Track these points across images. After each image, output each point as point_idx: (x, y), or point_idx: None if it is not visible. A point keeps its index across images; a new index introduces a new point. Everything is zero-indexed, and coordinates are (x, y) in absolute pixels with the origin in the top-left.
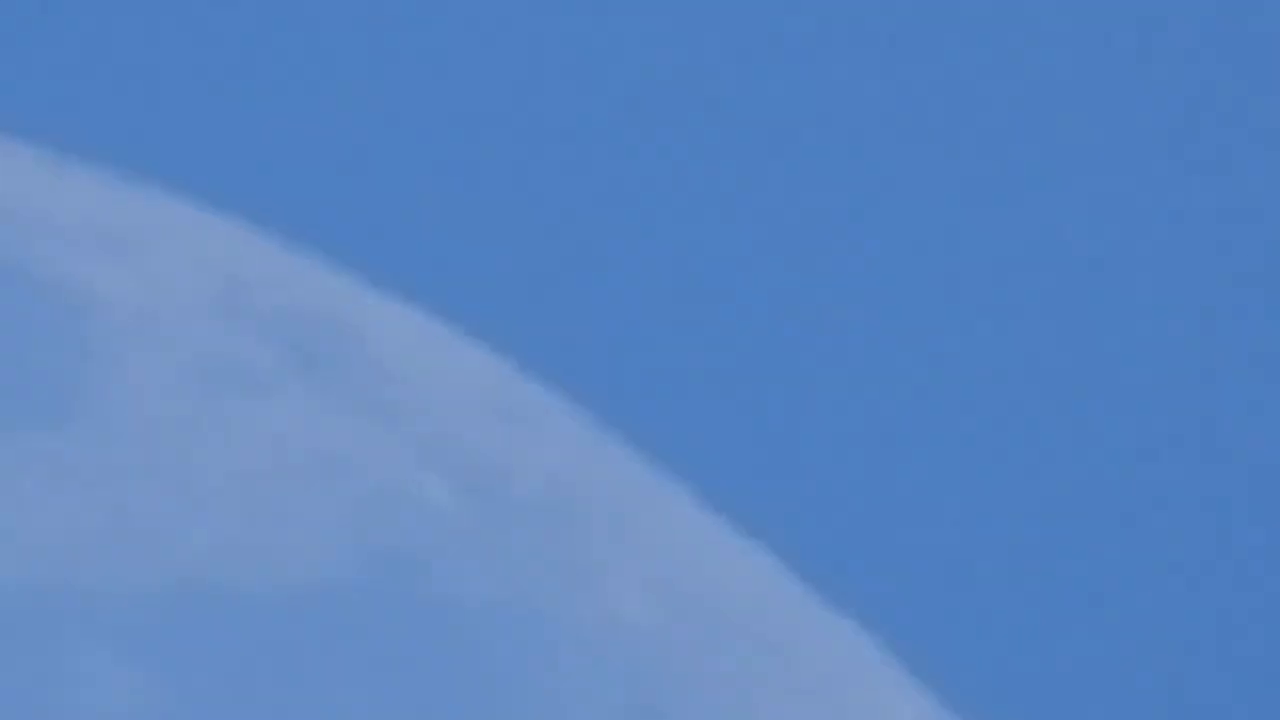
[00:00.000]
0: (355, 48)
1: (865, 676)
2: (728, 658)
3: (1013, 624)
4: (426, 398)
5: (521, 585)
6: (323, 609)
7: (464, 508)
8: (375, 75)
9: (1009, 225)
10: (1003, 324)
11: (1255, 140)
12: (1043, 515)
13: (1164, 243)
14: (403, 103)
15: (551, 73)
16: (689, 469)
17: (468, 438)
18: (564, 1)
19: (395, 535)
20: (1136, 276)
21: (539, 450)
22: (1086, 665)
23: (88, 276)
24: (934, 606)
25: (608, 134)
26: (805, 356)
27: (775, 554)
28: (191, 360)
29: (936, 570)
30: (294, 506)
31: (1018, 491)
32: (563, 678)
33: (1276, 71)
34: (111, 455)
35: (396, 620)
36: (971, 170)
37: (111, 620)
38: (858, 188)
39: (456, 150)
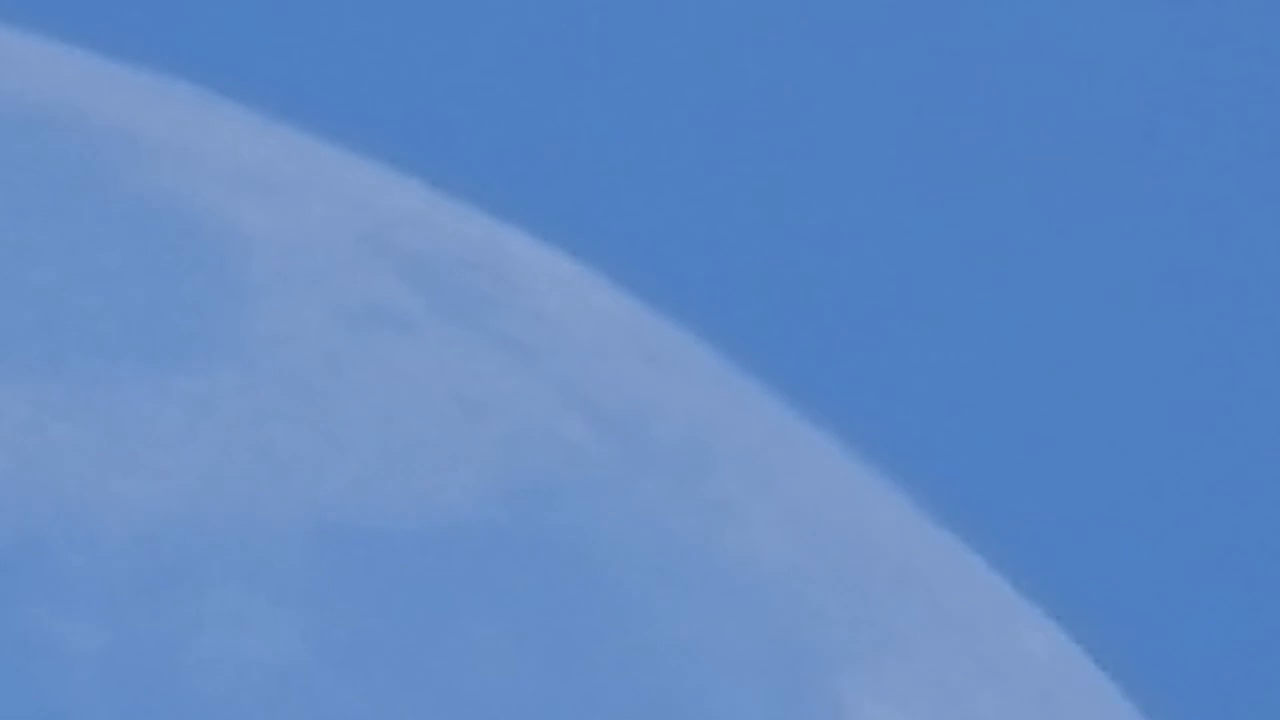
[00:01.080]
0: None
1: (1001, 611)
2: (865, 596)
3: (1150, 566)
4: (569, 340)
5: (661, 526)
6: (464, 549)
7: (604, 449)
8: (525, 20)
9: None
10: None
11: None
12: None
13: None
14: (551, 50)
15: (684, 36)
16: (828, 411)
17: (609, 380)
18: None
19: (536, 476)
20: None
21: (679, 392)
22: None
23: (236, 214)
24: (1065, 545)
25: (760, 90)
26: (950, 301)
27: (911, 493)
28: (337, 300)
29: (1069, 508)
30: (436, 447)
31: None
32: (700, 618)
33: None
34: (255, 395)
35: (536, 560)
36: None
37: (253, 561)
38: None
39: (602, 95)
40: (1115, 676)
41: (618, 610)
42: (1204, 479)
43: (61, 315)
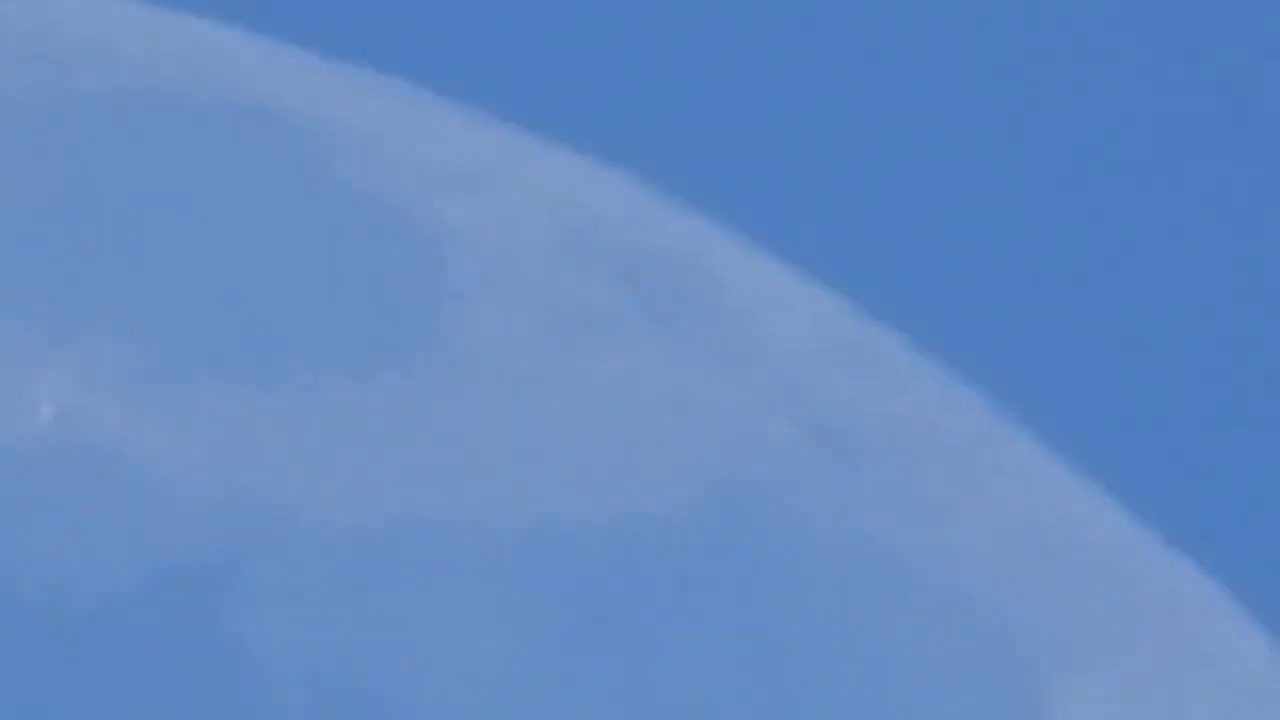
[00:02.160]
0: None
1: (1210, 615)
2: (1072, 598)
3: None
4: (774, 341)
5: (866, 528)
6: (670, 550)
7: (809, 450)
8: (735, 16)
9: None
10: None
11: None
12: None
13: None
14: (755, 47)
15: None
16: (1032, 413)
17: (815, 381)
18: None
19: (742, 478)
20: None
21: (884, 394)
22: None
23: (442, 212)
24: (1274, 546)
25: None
26: (1153, 300)
27: (1115, 497)
28: (543, 300)
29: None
30: (642, 449)
31: None
32: (907, 621)
33: None
34: (463, 397)
35: (742, 560)
36: None
37: (462, 561)
38: None
39: (806, 95)
40: None
41: (825, 612)
42: None
43: (269, 317)
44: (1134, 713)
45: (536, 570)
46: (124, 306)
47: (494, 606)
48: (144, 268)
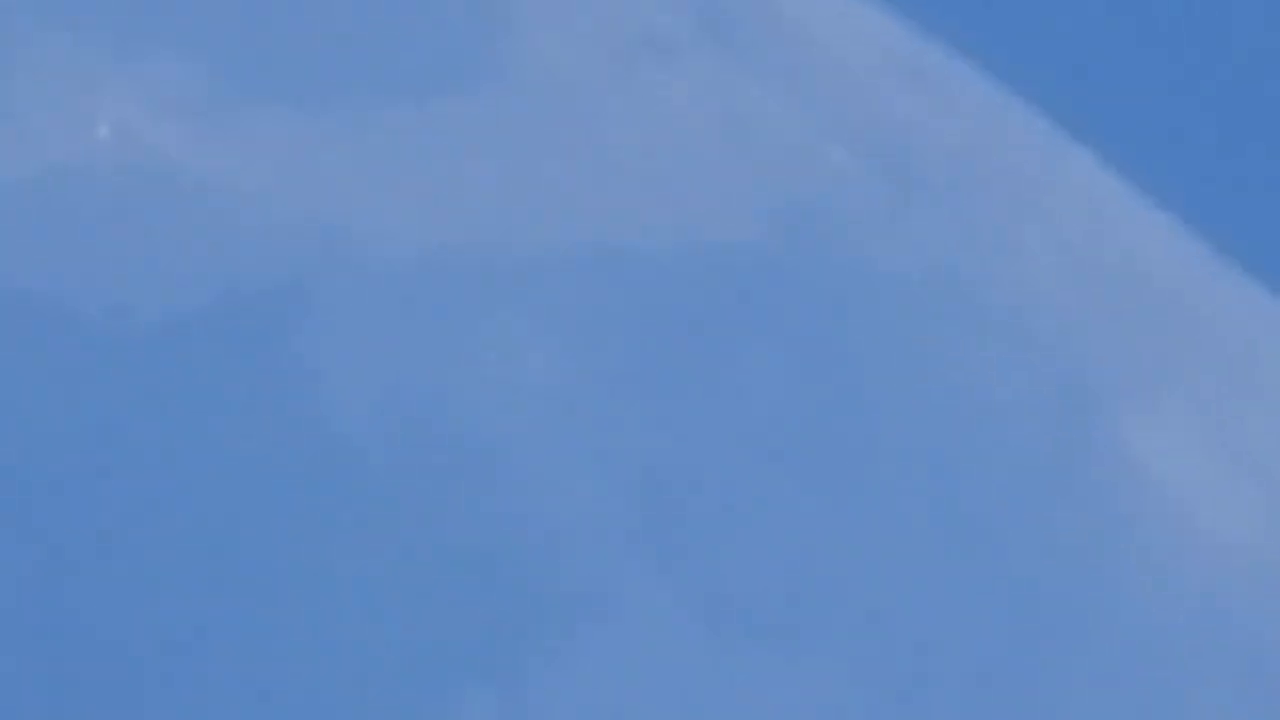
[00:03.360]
0: None
1: (1277, 338)
2: (1139, 327)
3: None
4: (835, 64)
5: (928, 254)
6: (730, 273)
7: (870, 175)
8: None
9: None
10: None
11: None
12: None
13: None
14: None
15: None
16: (1098, 137)
17: (875, 104)
18: None
19: (802, 203)
20: None
21: (944, 116)
22: None
23: None
24: None
25: None
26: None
27: (1182, 221)
28: (603, 25)
29: None
30: (700, 171)
31: None
32: (969, 347)
33: None
34: (524, 120)
35: (801, 285)
36: None
37: (524, 284)
38: None
39: None
40: None
41: (885, 338)
42: None
43: (330, 42)
44: (1200, 446)
45: (597, 294)
46: (186, 28)
47: (556, 328)
48: None
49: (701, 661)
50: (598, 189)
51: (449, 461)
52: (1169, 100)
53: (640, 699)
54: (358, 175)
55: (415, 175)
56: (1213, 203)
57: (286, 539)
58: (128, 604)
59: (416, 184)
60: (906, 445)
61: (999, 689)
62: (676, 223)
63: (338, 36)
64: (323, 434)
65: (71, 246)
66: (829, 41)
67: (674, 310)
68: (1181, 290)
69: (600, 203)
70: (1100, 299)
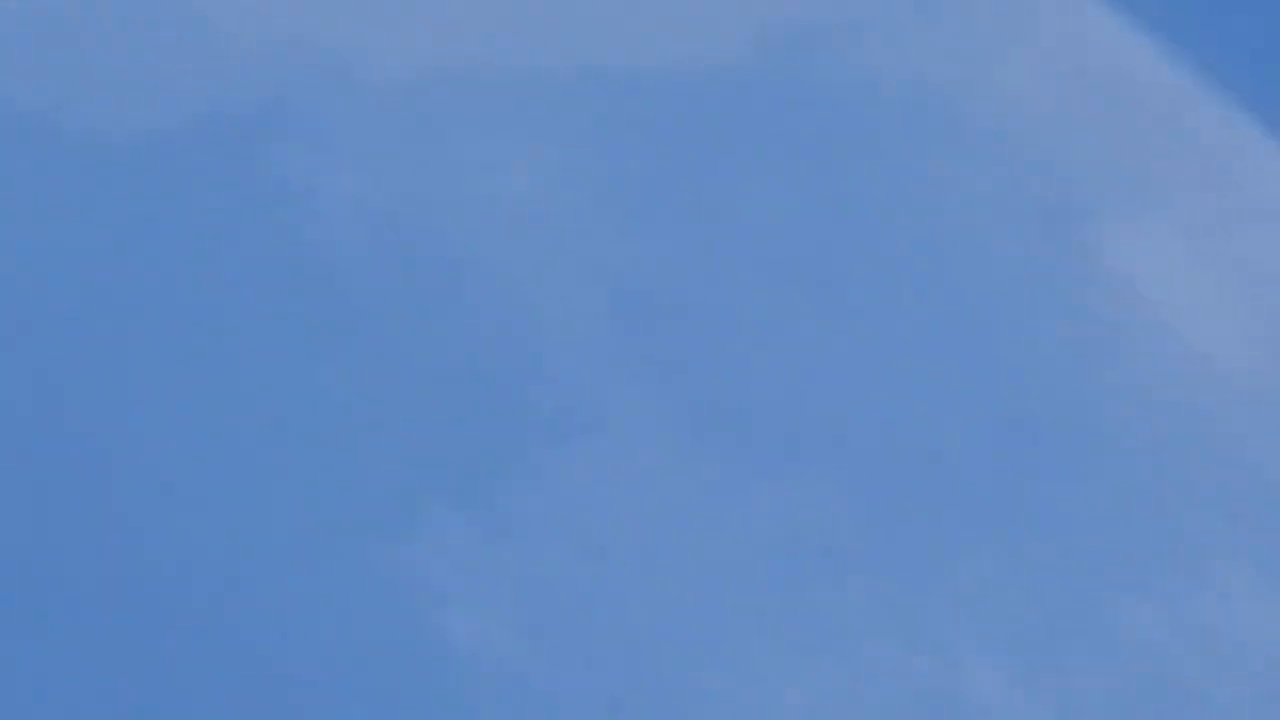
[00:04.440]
0: None
1: (1267, 166)
2: (1126, 143)
3: None
4: None
5: (917, 70)
6: (724, 92)
7: None
8: None
9: None
10: None
11: None
12: None
13: None
14: None
15: None
16: None
17: None
18: None
19: (794, 22)
20: None
21: None
22: None
23: None
24: None
25: None
26: None
27: (1175, 42)
28: None
29: None
30: None
31: None
32: (957, 164)
33: None
34: None
35: (797, 104)
36: None
37: (514, 107)
38: None
39: None
40: None
41: (878, 152)
42: None
43: None
44: (1183, 260)
45: (589, 116)
46: None
47: (547, 151)
48: None
49: (689, 474)
50: (590, 10)
51: (431, 278)
52: None
53: (625, 513)
54: None
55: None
56: (1201, 26)
57: (264, 352)
58: (108, 420)
59: (405, 6)
60: (892, 259)
61: (987, 502)
62: (661, 40)
63: None
64: (303, 248)
65: (51, 62)
66: None
67: (660, 126)
68: (1167, 110)
69: (592, 24)
70: (1086, 117)
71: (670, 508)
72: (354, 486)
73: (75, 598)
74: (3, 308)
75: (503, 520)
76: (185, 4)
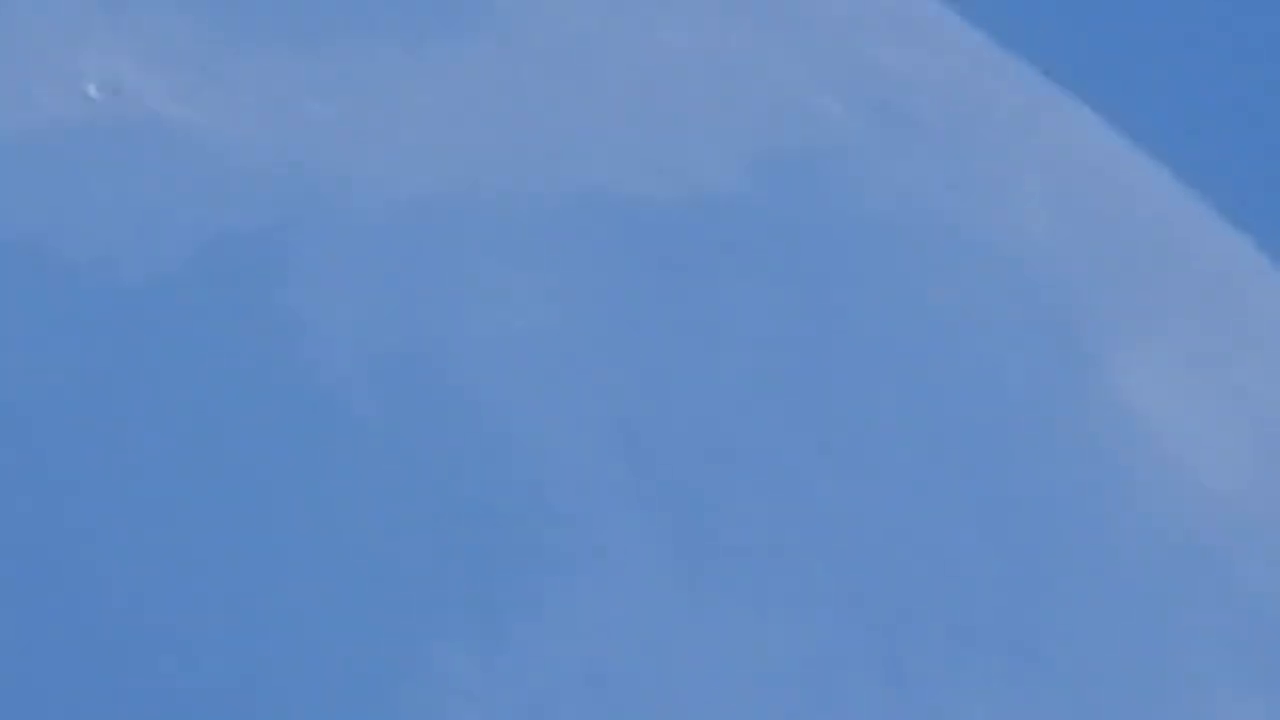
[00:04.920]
0: None
1: (1268, 291)
2: (1129, 271)
3: None
4: (825, 12)
5: (920, 201)
6: (723, 221)
7: (863, 123)
8: None
9: None
10: None
11: None
12: None
13: None
14: None
15: None
16: (1087, 84)
17: (866, 50)
18: None
19: (796, 151)
20: None
21: (935, 65)
22: None
23: None
24: None
25: None
26: None
27: (1172, 169)
28: None
29: None
30: (692, 119)
31: None
32: (964, 294)
33: None
34: (514, 66)
35: (791, 234)
36: None
37: (512, 232)
38: None
39: None
40: None
41: (878, 284)
42: None
43: None
44: (1185, 387)
45: (587, 241)
46: None
47: (544, 276)
48: None
49: (689, 604)
50: (589, 137)
51: (434, 409)
52: (1160, 50)
53: (625, 641)
54: (346, 123)
55: (404, 124)
56: (1204, 156)
57: (269, 486)
58: (113, 553)
59: (406, 132)
60: (894, 388)
61: (984, 630)
62: (666, 167)
63: None
64: (307, 381)
65: (57, 197)
66: None
67: (662, 255)
68: (1171, 239)
69: (591, 151)
70: (1091, 245)
71: (670, 637)
72: (358, 619)
73: None
74: (5, 434)
75: (505, 648)
76: (186, 136)
